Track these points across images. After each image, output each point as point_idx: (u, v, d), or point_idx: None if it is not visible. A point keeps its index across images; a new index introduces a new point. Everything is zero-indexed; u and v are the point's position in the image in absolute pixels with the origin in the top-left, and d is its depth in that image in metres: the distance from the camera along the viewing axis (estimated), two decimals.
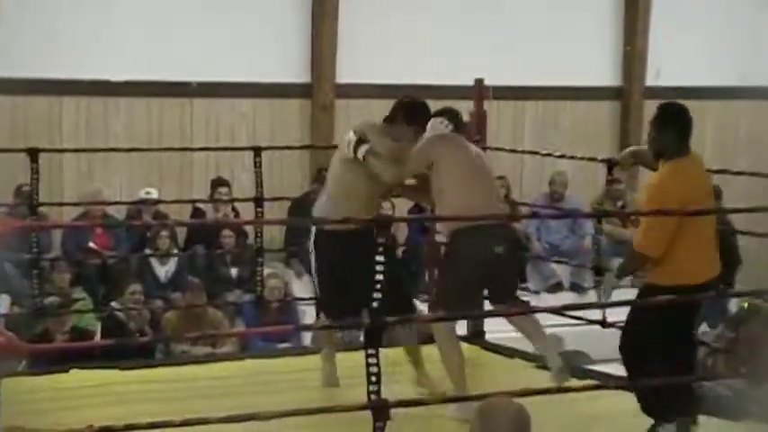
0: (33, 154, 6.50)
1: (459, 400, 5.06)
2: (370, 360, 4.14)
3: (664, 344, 4.89)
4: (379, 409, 4.07)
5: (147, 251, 9.42)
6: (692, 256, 4.85)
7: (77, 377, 5.99)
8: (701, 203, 4.94)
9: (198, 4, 10.29)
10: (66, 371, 6.06)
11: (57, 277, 8.75)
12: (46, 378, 5.99)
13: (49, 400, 5.52)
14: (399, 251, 9.99)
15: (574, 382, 5.36)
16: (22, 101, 9.76)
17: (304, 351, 7.09)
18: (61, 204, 9.38)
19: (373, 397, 4.10)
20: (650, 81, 12.26)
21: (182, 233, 9.98)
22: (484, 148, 6.96)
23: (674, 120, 4.89)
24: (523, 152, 10.58)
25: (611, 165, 6.17)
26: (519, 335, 5.61)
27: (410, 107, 5.54)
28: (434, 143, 5.54)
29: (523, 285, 10.69)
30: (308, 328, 9.56)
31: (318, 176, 10.44)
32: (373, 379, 4.12)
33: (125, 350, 6.75)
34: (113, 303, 8.61)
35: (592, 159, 7.11)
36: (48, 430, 3.63)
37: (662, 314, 4.85)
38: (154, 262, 9.38)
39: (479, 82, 7.11)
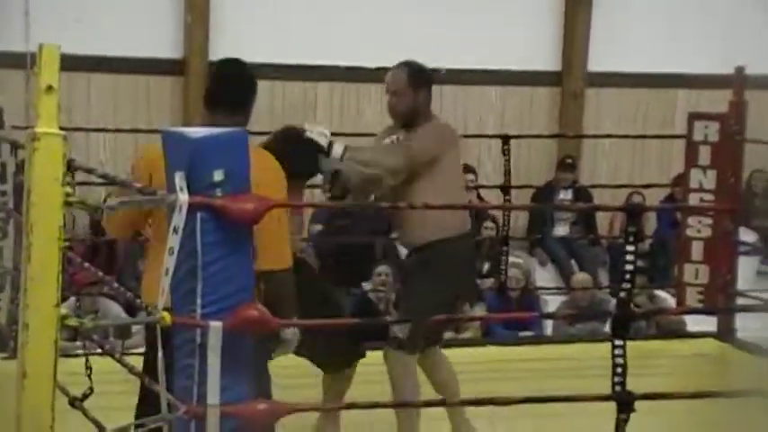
0: None
1: (711, 395, 4.81)
2: (617, 351, 4.05)
3: None
4: (624, 402, 3.98)
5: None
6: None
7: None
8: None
9: None
10: None
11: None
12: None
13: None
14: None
15: None
16: (280, 85, 10.10)
17: (545, 340, 7.03)
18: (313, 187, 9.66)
19: (618, 388, 4.02)
20: None
21: None
22: (743, 140, 6.73)
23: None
24: None
25: None
26: None
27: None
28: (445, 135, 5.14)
29: None
30: (549, 316, 9.52)
31: (562, 164, 10.34)
32: (619, 370, 4.04)
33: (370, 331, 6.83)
34: (364, 285, 8.82)
35: None
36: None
37: None
38: (399, 246, 9.52)
39: (740, 70, 6.84)
